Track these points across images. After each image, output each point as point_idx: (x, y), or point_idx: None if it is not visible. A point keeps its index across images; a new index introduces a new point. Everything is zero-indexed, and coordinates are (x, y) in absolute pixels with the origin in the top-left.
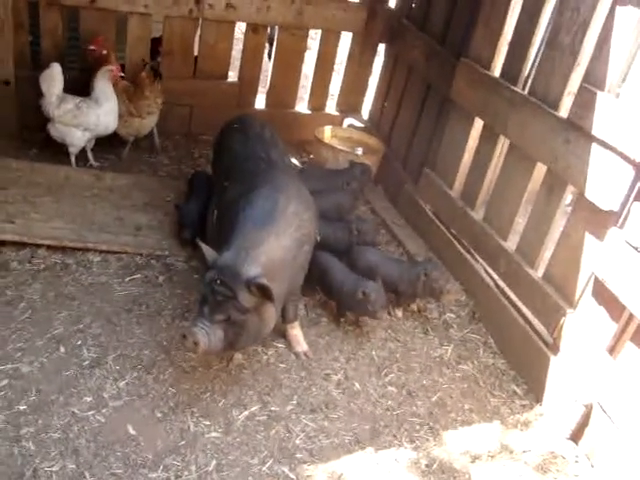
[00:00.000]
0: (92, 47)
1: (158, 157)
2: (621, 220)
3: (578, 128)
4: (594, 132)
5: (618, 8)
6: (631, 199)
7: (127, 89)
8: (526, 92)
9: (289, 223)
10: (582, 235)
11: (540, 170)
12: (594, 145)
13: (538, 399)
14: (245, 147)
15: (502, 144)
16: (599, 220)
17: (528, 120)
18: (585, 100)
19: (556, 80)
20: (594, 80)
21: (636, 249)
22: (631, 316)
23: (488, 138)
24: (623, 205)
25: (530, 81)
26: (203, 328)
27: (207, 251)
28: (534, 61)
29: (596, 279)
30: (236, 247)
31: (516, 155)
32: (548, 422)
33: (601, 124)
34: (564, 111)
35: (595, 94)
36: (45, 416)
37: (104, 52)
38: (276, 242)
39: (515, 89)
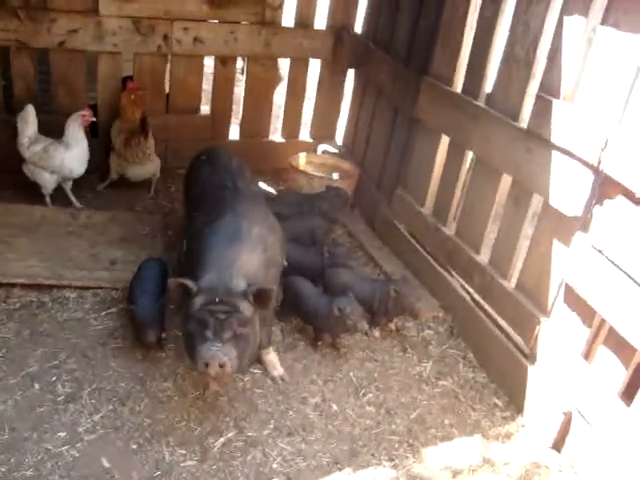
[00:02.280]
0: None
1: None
2: (586, 225)
3: (537, 137)
4: (553, 140)
5: (565, 18)
6: (593, 203)
7: (129, 131)
8: (487, 106)
9: (255, 244)
10: (550, 243)
11: (506, 181)
12: (554, 152)
13: (519, 410)
14: (212, 177)
15: (468, 158)
16: (565, 226)
17: (490, 133)
18: (542, 109)
19: (514, 92)
20: (549, 89)
21: (601, 252)
22: (602, 320)
23: (454, 154)
24: (586, 209)
25: (490, 95)
26: (219, 350)
27: (185, 282)
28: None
29: (567, 286)
30: (214, 269)
31: (482, 168)
32: (530, 432)
33: (558, 131)
34: (524, 121)
35: (551, 102)
36: (18, 454)
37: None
38: (248, 259)
39: (477, 103)
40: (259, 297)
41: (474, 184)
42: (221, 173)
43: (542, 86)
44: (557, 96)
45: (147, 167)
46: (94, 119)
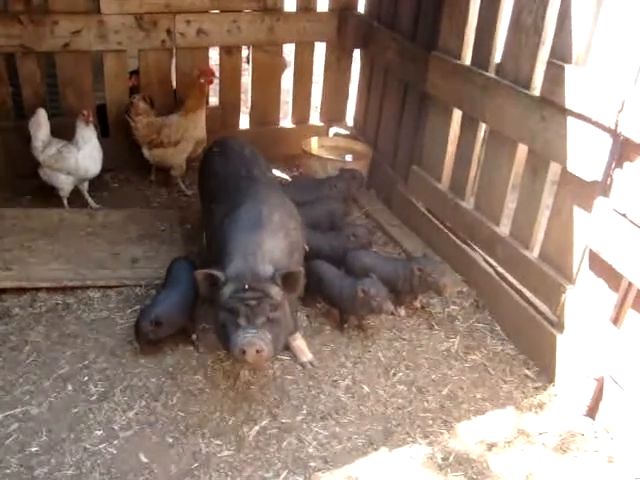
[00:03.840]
0: (206, 78)
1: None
2: (606, 189)
3: (551, 104)
4: (568, 106)
5: None
6: (612, 166)
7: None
8: (498, 76)
9: (277, 229)
10: (571, 210)
11: (522, 151)
12: (569, 118)
13: (550, 380)
14: (226, 168)
15: (482, 131)
16: (585, 192)
17: (503, 103)
18: (554, 75)
19: (524, 60)
20: (561, 54)
21: (624, 216)
22: (630, 284)
23: (468, 127)
24: (606, 173)
25: (500, 64)
26: (254, 336)
27: (212, 272)
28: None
29: (591, 252)
30: (239, 257)
31: (497, 139)
32: (563, 401)
33: (573, 97)
34: (536, 89)
35: (563, 68)
36: (57, 455)
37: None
38: (272, 244)
39: (487, 74)
40: (288, 280)
41: (490, 156)
42: (235, 163)
43: (553, 52)
44: (569, 61)
45: (167, 150)
46: (92, 118)
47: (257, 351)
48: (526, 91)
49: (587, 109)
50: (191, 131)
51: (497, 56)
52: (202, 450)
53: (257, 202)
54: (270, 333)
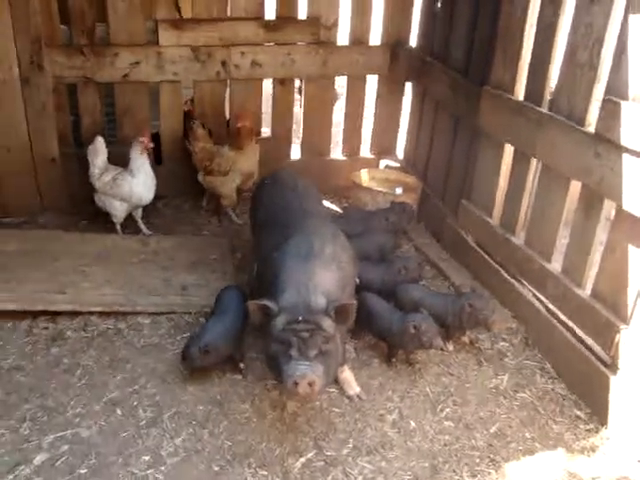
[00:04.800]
0: (240, 124)
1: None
2: None
3: (606, 140)
4: (623, 142)
5: (631, 16)
6: None
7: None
8: (551, 112)
9: (329, 262)
10: (626, 248)
11: (575, 187)
12: (625, 155)
13: (603, 422)
14: (278, 200)
15: (535, 166)
16: None
17: (556, 139)
18: (610, 112)
19: (579, 96)
20: (617, 91)
21: None
22: None
23: (520, 161)
24: None
25: (554, 100)
26: (307, 368)
27: (266, 302)
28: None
29: None
30: (292, 288)
31: (549, 175)
32: (616, 445)
33: (629, 133)
34: (591, 126)
35: (619, 105)
36: (105, 478)
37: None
38: (325, 276)
39: (540, 109)
40: (340, 313)
41: (542, 191)
42: (287, 195)
43: (609, 88)
44: (626, 97)
45: (218, 180)
46: (152, 145)
47: (309, 384)
48: (580, 127)
49: None
50: (240, 164)
51: (550, 92)
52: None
53: (309, 234)
54: (322, 365)
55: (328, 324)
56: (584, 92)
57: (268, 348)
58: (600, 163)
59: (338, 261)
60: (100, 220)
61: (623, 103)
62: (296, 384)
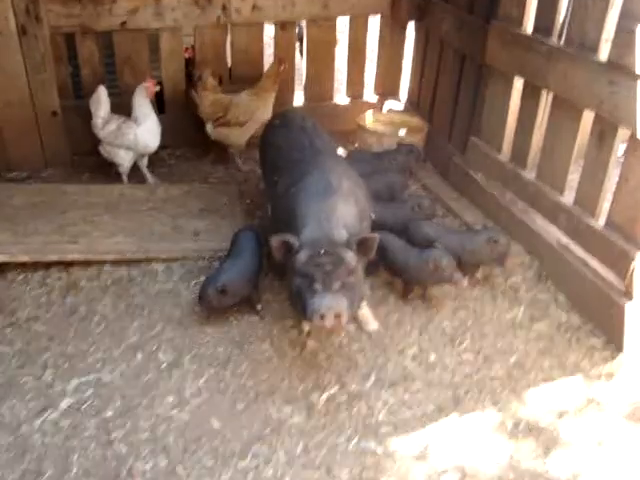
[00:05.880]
0: (282, 67)
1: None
2: None
3: (621, 68)
4: (638, 69)
5: None
6: None
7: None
8: (562, 43)
9: (348, 196)
10: None
11: (588, 118)
12: None
13: (619, 349)
14: (289, 140)
15: (545, 98)
16: None
17: (568, 69)
18: (624, 39)
19: (591, 24)
20: (631, 16)
21: None
22: None
23: (530, 95)
24: None
25: (565, 31)
26: (332, 300)
27: (287, 238)
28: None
29: None
30: (313, 222)
31: (561, 106)
32: (633, 370)
33: None
34: (604, 54)
35: (634, 31)
36: (132, 419)
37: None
38: (345, 210)
39: (551, 42)
40: (362, 246)
41: (553, 124)
42: (298, 134)
43: (622, 14)
44: None
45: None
46: (158, 88)
47: (335, 316)
48: (593, 56)
49: None
50: (261, 112)
51: (561, 22)
52: (273, 416)
53: (325, 171)
54: (346, 298)
55: (350, 256)
56: (597, 19)
57: (291, 283)
58: (614, 91)
59: (355, 196)
60: (103, 172)
61: (638, 29)
62: (322, 317)
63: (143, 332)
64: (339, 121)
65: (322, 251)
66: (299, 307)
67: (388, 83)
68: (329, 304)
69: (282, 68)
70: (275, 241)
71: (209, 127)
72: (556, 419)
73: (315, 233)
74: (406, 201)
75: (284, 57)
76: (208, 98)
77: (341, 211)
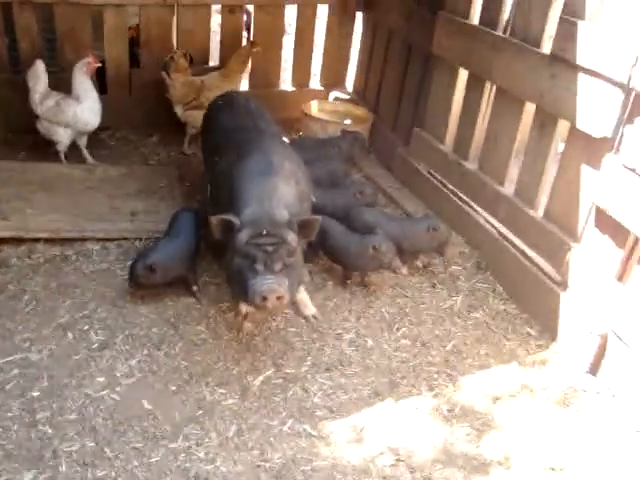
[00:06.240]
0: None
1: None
2: (615, 145)
3: (562, 61)
4: (579, 62)
5: None
6: (623, 122)
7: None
8: (507, 35)
9: (288, 177)
10: (578, 167)
11: (529, 110)
12: (580, 75)
13: (553, 338)
14: (232, 120)
15: (489, 90)
16: (594, 149)
17: (512, 62)
18: (566, 32)
19: (535, 17)
20: (573, 11)
21: (633, 171)
22: (637, 240)
23: (474, 87)
24: (616, 130)
25: (510, 23)
26: (274, 282)
27: (228, 217)
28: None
29: (597, 209)
30: (254, 202)
31: (504, 98)
32: (565, 359)
33: (585, 53)
34: (546, 47)
35: (576, 24)
36: (59, 400)
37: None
38: (286, 190)
39: (496, 33)
40: (304, 227)
41: (496, 115)
42: (241, 115)
43: (565, 8)
44: (582, 17)
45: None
46: (99, 64)
47: (277, 297)
48: (536, 49)
49: (599, 65)
50: None
51: (506, 14)
52: (206, 398)
53: (266, 152)
54: (287, 279)
55: (292, 237)
56: (540, 13)
57: (231, 263)
58: (555, 83)
59: (296, 177)
60: (40, 151)
61: (580, 22)
62: (264, 299)
63: (75, 312)
64: (284, 108)
65: (265, 231)
66: (239, 288)
67: (335, 73)
68: (271, 285)
69: (255, 50)
70: (215, 219)
71: (178, 109)
72: (490, 404)
73: (257, 213)
74: (348, 188)
75: (256, 41)
76: (179, 80)
77: (282, 191)
